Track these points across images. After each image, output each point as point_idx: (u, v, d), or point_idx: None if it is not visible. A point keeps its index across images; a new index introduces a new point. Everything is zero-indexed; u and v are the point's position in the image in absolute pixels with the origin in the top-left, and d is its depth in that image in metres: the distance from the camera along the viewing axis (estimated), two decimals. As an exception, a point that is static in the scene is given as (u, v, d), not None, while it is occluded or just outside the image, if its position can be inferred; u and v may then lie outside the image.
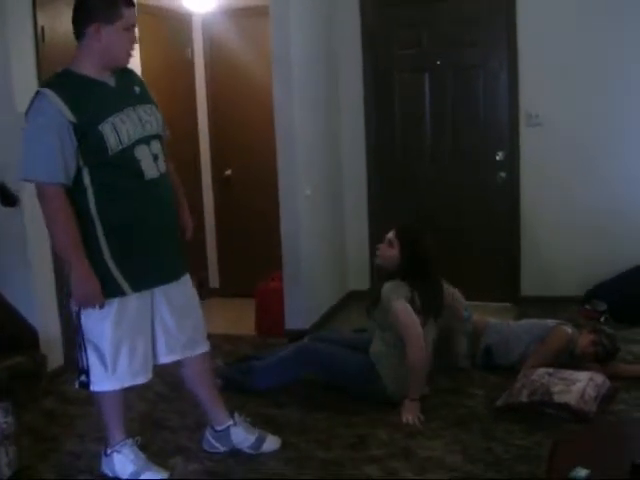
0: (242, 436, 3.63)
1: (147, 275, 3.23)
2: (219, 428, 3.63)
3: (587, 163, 5.85)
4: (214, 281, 6.73)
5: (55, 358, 4.71)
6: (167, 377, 4.64)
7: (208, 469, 3.53)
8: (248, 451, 3.62)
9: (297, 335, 5.12)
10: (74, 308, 3.22)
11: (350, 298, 6.36)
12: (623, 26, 5.59)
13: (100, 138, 3.00)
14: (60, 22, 4.63)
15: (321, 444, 3.73)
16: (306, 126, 5.49)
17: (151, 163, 3.21)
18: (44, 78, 4.39)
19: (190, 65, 6.43)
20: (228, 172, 6.52)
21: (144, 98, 3.27)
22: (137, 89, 3.26)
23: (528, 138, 5.90)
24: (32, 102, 3.00)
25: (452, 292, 4.62)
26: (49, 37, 4.61)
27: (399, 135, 6.28)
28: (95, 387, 3.29)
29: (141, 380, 3.34)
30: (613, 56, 5.63)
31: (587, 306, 5.73)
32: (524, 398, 3.94)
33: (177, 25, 6.25)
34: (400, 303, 4.06)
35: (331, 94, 6.15)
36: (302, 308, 5.46)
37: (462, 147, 6.16)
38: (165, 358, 3.44)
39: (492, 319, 4.87)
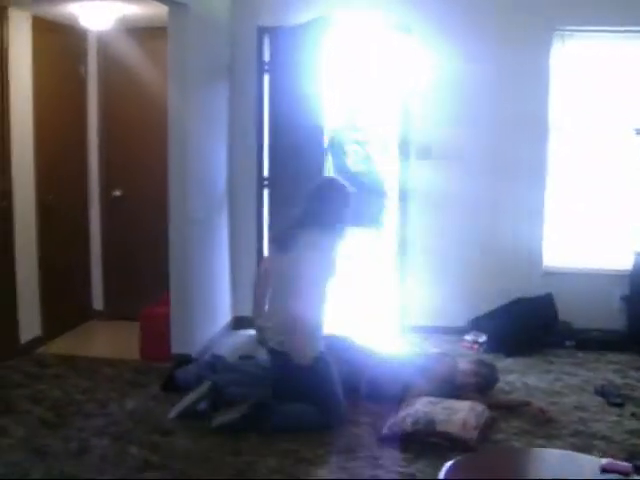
0: None
1: None
2: None
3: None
4: (98, 303, 6.57)
5: None
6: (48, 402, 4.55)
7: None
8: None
9: (183, 360, 5.09)
10: None
11: (236, 323, 6.34)
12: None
13: None
14: None
15: (208, 472, 3.70)
16: (200, 148, 5.49)
17: None
18: None
19: (83, 82, 6.29)
20: (117, 192, 6.41)
21: None
22: None
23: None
24: None
25: None
26: None
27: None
28: None
29: None
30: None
31: (467, 337, 5.93)
32: (408, 427, 4.04)
33: (71, 41, 6.11)
34: None
35: (228, 117, 6.15)
36: (189, 333, 5.41)
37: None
38: None
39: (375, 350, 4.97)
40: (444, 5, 5.96)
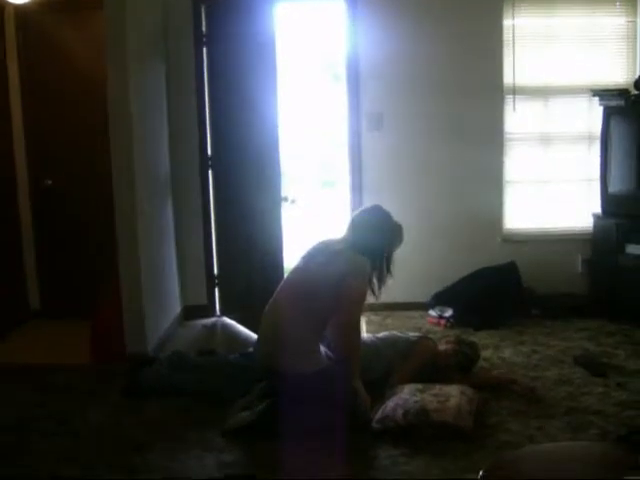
0: None
1: None
2: None
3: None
4: (34, 301, 6.08)
5: None
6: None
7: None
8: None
9: (142, 360, 4.72)
10: None
11: (186, 314, 5.97)
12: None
13: None
14: None
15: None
16: (143, 131, 5.06)
17: None
18: None
19: (1, 66, 5.74)
20: (48, 182, 5.91)
21: None
22: None
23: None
24: None
25: None
26: None
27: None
28: None
29: None
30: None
31: (432, 312, 5.73)
32: (400, 419, 3.79)
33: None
34: None
35: (166, 93, 5.74)
36: (143, 329, 5.00)
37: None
38: None
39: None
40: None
